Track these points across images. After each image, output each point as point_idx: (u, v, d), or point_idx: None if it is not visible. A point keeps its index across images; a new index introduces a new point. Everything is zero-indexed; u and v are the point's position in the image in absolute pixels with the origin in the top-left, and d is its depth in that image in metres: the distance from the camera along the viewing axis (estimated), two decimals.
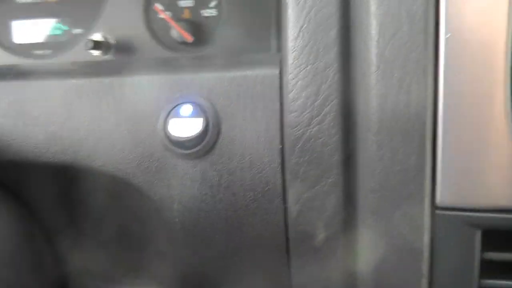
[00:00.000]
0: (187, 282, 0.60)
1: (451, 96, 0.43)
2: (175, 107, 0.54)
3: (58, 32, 0.83)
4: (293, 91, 0.48)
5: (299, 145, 0.48)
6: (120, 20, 0.82)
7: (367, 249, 0.49)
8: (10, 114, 0.58)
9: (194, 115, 0.54)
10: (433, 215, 0.45)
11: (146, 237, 0.61)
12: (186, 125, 0.54)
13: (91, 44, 0.80)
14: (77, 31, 0.86)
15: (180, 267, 0.58)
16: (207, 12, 0.81)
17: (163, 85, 0.55)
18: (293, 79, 0.48)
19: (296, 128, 0.48)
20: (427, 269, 0.46)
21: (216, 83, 0.54)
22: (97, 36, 0.83)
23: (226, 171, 0.53)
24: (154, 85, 0.55)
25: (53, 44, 0.83)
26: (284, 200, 0.52)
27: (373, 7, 0.44)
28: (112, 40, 0.82)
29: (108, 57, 0.82)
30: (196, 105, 0.54)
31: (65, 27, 0.85)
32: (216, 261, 0.56)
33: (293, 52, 0.47)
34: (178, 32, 0.80)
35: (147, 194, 0.56)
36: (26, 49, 0.85)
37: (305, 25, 0.47)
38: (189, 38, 0.80)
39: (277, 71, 0.53)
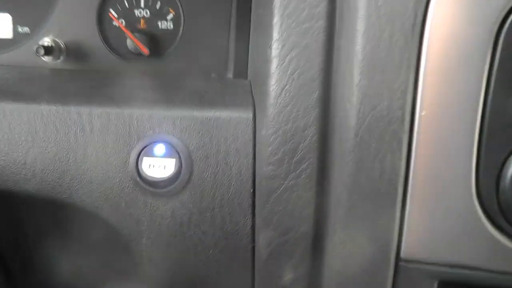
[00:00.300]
0: None
1: (421, 167, 0.48)
2: (148, 145, 0.55)
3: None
4: (272, 145, 0.50)
5: (274, 195, 0.51)
6: (72, 23, 0.80)
7: None
8: None
9: (168, 155, 0.55)
10: (396, 267, 0.50)
11: (111, 266, 0.61)
12: (159, 164, 0.54)
13: (42, 51, 0.77)
14: (24, 29, 0.82)
15: None
16: (163, 25, 0.81)
17: (135, 120, 0.55)
18: (273, 134, 0.50)
19: (272, 180, 0.51)
20: None
21: (189, 123, 0.55)
22: (47, 40, 0.79)
23: (197, 210, 0.55)
24: (126, 119, 0.55)
25: None
26: (253, 240, 0.55)
27: (356, 78, 0.47)
28: (62, 45, 0.79)
29: (58, 62, 0.79)
30: (170, 145, 0.55)
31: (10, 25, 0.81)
32: None
33: (274, 110, 0.50)
34: (133, 43, 0.79)
35: (115, 228, 0.56)
36: None
37: (287, 86, 0.49)
38: (145, 51, 0.80)
39: (250, 115, 0.55)
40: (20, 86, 0.61)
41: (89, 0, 0.76)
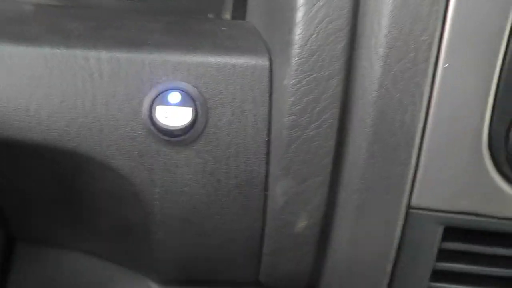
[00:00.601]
0: (164, 265, 0.62)
1: (438, 119, 0.49)
2: (162, 92, 0.53)
3: None
4: (295, 95, 0.50)
5: (295, 145, 0.52)
6: None
7: (340, 246, 0.56)
8: None
9: (183, 103, 0.53)
10: (407, 214, 0.52)
11: (122, 218, 0.61)
12: (173, 113, 0.53)
13: None
14: None
15: (159, 251, 0.60)
16: None
17: (148, 65, 0.53)
18: (296, 84, 0.50)
19: (294, 130, 0.51)
20: (390, 268, 0.55)
21: (205, 70, 0.53)
22: None
23: (212, 158, 0.55)
24: (138, 64, 0.53)
25: None
26: (266, 189, 0.56)
27: (384, 29, 0.47)
28: None
29: None
30: (185, 93, 0.54)
31: None
32: (191, 243, 0.59)
33: (299, 59, 0.49)
34: None
35: (126, 177, 0.56)
36: None
37: (315, 35, 0.49)
38: None
39: (267, 62, 0.54)
40: (16, 26, 0.57)
41: None
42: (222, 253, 0.59)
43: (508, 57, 0.48)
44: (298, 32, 0.49)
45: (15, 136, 0.54)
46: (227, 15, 0.75)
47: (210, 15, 0.75)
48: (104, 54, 0.54)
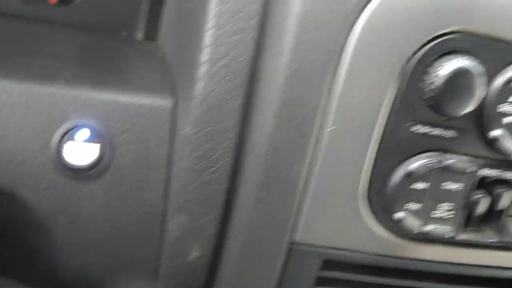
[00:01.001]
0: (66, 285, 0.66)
1: (322, 173, 0.57)
2: (71, 129, 0.57)
3: None
4: (194, 143, 0.56)
5: (191, 187, 0.57)
6: None
7: (227, 275, 0.62)
8: None
9: (91, 140, 0.57)
10: (290, 249, 0.60)
11: (26, 244, 0.64)
12: (81, 149, 0.57)
13: None
14: None
15: (62, 271, 0.64)
16: None
17: (59, 101, 0.57)
18: (196, 133, 0.55)
19: (191, 174, 0.57)
20: None
21: (113, 108, 0.58)
22: None
23: (115, 193, 0.59)
24: (49, 99, 0.57)
25: None
26: (163, 222, 0.61)
27: (277, 93, 0.54)
28: None
29: None
30: (94, 129, 0.58)
31: None
32: (93, 269, 0.64)
33: (199, 112, 0.55)
34: None
35: (32, 207, 0.59)
36: None
37: (215, 91, 0.54)
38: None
39: (169, 106, 0.59)
40: None
41: None
42: (121, 275, 0.64)
43: (387, 128, 0.56)
44: (201, 86, 0.54)
45: None
46: (140, 34, 0.78)
47: (123, 33, 0.78)
48: (16, 86, 0.56)
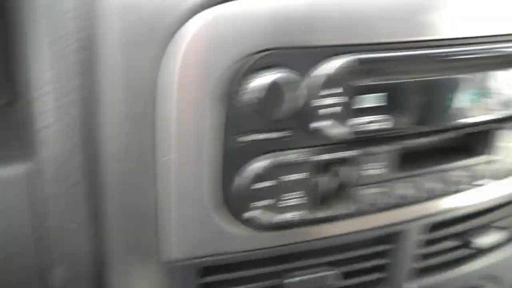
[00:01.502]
0: None
1: (170, 194, 0.63)
2: None
3: None
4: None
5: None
6: None
7: None
8: None
9: None
10: (167, 267, 0.66)
11: None
12: None
13: None
14: None
15: None
16: None
17: None
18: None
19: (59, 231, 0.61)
20: None
21: None
22: None
23: None
24: None
25: None
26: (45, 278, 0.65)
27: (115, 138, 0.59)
28: None
29: None
30: None
31: None
32: None
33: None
34: None
35: None
36: None
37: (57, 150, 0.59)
38: None
39: (24, 171, 0.63)
40: None
41: None
42: None
43: (223, 142, 0.62)
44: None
45: None
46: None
47: None
48: None
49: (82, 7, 0.57)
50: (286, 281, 0.75)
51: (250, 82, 0.60)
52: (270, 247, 0.70)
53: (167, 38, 0.57)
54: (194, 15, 0.57)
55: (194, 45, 0.58)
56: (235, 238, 0.67)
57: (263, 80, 0.60)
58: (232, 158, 0.63)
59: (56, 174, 0.59)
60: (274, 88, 0.60)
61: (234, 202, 0.65)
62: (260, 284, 0.74)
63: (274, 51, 0.60)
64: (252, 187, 0.64)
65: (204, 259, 0.68)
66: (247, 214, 0.65)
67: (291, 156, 0.66)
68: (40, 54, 0.58)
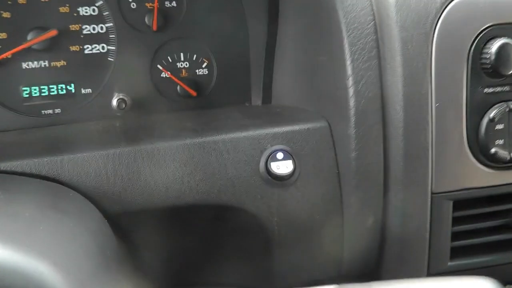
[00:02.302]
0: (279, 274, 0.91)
1: (438, 136, 0.86)
2: (272, 153, 0.85)
3: (65, 92, 1.00)
4: (357, 138, 0.85)
5: (361, 169, 0.86)
6: (127, 79, 1.04)
7: (392, 220, 0.89)
8: None
9: (285, 158, 0.86)
10: (431, 198, 0.88)
11: (247, 247, 0.89)
12: (281, 165, 0.85)
13: (123, 105, 1.00)
14: (87, 91, 1.04)
15: (276, 265, 0.89)
16: (200, 71, 1.10)
17: (257, 139, 0.85)
18: (357, 132, 0.85)
19: (358, 160, 0.86)
20: (428, 236, 0.89)
21: (291, 135, 0.86)
22: (117, 96, 1.03)
23: (307, 190, 0.87)
24: (249, 139, 0.85)
25: (61, 103, 1.01)
26: (342, 201, 0.89)
27: (400, 90, 0.84)
28: (126, 98, 1.04)
29: (122, 112, 1.03)
30: (284, 151, 0.86)
31: (72, 88, 1.03)
32: (296, 257, 0.90)
33: (355, 116, 0.84)
34: (183, 88, 1.07)
35: (254, 213, 0.86)
36: (35, 110, 1.00)
37: (363, 101, 0.84)
38: (193, 93, 1.08)
39: (327, 124, 0.88)
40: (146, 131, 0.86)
41: (142, 59, 1.01)
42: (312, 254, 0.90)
43: (467, 93, 0.87)
44: (353, 101, 0.84)
45: (175, 202, 0.82)
46: (259, 102, 1.09)
47: (247, 104, 1.09)
48: (225, 136, 0.84)
49: (372, 4, 0.85)
50: None
51: (485, 47, 0.86)
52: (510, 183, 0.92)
53: (432, 20, 0.84)
54: (447, 4, 0.84)
55: (445, 25, 0.85)
56: (482, 174, 0.89)
57: (493, 45, 0.85)
58: (475, 107, 0.87)
59: (359, 119, 0.85)
60: (502, 50, 0.85)
61: (480, 142, 0.88)
62: (494, 222, 0.94)
63: (497, 26, 0.86)
64: (493, 129, 0.87)
65: (458, 193, 0.90)
66: (491, 151, 0.88)
67: None
68: (340, 38, 0.86)
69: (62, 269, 0.47)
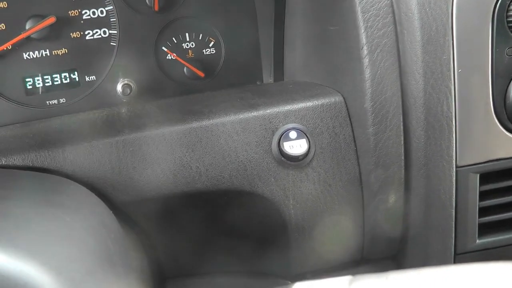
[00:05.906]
0: (296, 260, 0.86)
1: (461, 106, 0.79)
2: (284, 132, 0.80)
3: (69, 80, 0.96)
4: (374, 112, 0.79)
5: (380, 145, 0.80)
6: (132, 63, 0.99)
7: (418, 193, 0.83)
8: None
9: (299, 137, 0.80)
10: (456, 171, 0.82)
11: (262, 231, 0.85)
12: (295, 144, 0.80)
13: (128, 90, 0.96)
14: (90, 78, 1.00)
15: (293, 248, 0.84)
16: (207, 51, 1.04)
17: (268, 118, 0.80)
18: (373, 105, 0.78)
19: (376, 136, 0.80)
20: (454, 211, 0.83)
21: (305, 112, 0.81)
22: (122, 81, 0.98)
23: (323, 170, 0.81)
24: (260, 119, 0.80)
25: (65, 93, 0.97)
26: (361, 182, 0.83)
27: (420, 57, 0.77)
28: (131, 83, 0.99)
29: (128, 97, 0.98)
30: (298, 129, 0.80)
31: (75, 76, 0.98)
32: (315, 238, 0.85)
33: (371, 88, 0.78)
34: (190, 70, 1.02)
35: (268, 197, 0.81)
36: (39, 101, 0.96)
37: (379, 71, 0.78)
38: (201, 74, 1.03)
39: (342, 99, 0.82)
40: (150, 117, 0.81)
41: (145, 42, 0.97)
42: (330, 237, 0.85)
43: (494, 55, 0.80)
44: (368, 72, 0.78)
45: (184, 189, 0.78)
46: (271, 80, 1.03)
47: (258, 82, 1.03)
48: (234, 117, 0.79)
49: None
50: None
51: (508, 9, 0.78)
52: None
53: None
54: None
55: None
56: (511, 143, 0.83)
57: None
58: (500, 71, 0.80)
59: (375, 91, 0.79)
60: None
61: (509, 108, 0.81)
62: None
63: None
64: None
65: (484, 165, 0.83)
66: None
67: None
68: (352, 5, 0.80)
69: (52, 269, 0.43)
